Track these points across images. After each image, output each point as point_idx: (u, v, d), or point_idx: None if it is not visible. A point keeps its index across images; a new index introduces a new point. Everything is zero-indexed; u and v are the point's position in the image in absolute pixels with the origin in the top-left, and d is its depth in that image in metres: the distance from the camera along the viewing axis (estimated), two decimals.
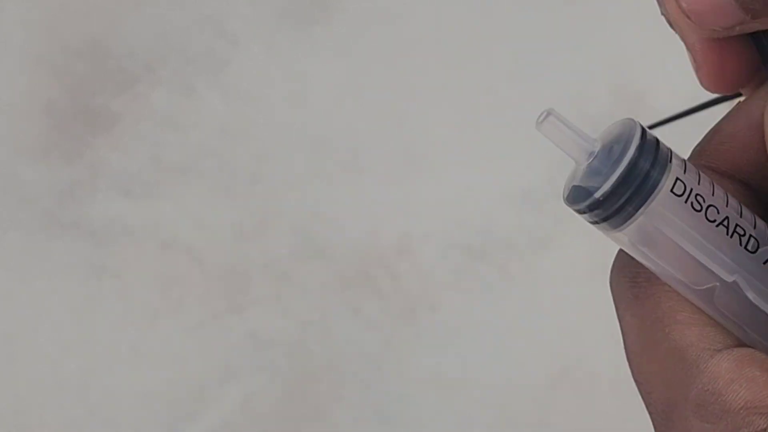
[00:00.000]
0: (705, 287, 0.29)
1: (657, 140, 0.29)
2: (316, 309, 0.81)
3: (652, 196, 0.28)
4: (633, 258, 0.30)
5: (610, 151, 0.29)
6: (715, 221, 0.29)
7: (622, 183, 0.29)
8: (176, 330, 0.81)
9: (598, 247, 0.82)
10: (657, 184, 0.28)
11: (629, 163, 0.28)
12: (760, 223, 0.29)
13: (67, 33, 0.86)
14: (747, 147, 0.31)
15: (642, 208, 0.28)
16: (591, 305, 0.81)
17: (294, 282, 0.81)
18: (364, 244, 0.82)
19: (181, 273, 0.82)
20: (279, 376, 0.81)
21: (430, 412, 0.80)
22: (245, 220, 0.83)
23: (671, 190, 0.29)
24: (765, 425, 0.28)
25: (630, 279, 0.31)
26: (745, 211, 0.29)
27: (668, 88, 0.83)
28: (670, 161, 0.29)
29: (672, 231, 0.29)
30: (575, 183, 0.30)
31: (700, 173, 0.29)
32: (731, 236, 0.29)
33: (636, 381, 0.30)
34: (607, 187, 0.29)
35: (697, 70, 0.31)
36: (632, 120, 0.29)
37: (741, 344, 0.29)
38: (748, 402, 0.28)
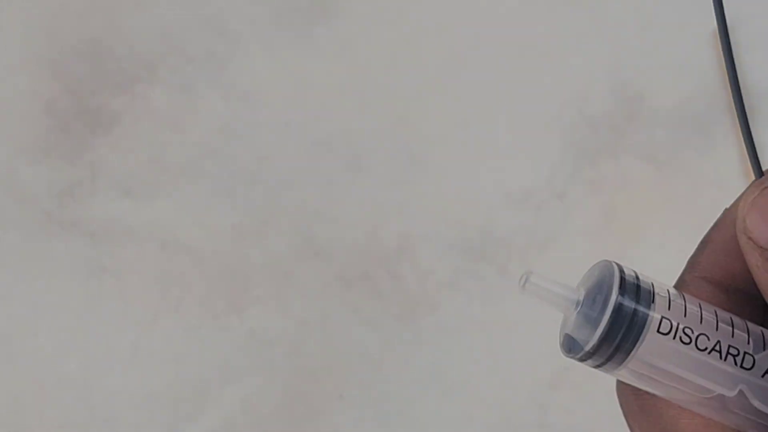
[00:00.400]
0: (710, 396, 0.30)
1: (637, 281, 0.30)
2: (316, 309, 0.81)
3: (639, 340, 0.30)
4: None
5: (594, 300, 0.31)
6: (706, 349, 0.30)
7: (608, 333, 0.30)
8: (176, 330, 0.81)
9: (598, 247, 0.82)
10: (642, 328, 0.30)
11: (612, 314, 0.30)
12: (755, 332, 0.30)
13: (67, 33, 0.86)
14: (738, 254, 0.31)
15: (632, 353, 0.30)
16: None
17: (294, 282, 0.81)
18: (364, 244, 0.82)
19: (181, 273, 0.82)
20: (279, 376, 0.81)
21: (430, 412, 0.80)
22: (245, 220, 0.83)
23: (658, 331, 0.30)
24: None
25: (633, 390, 0.32)
26: (738, 329, 0.30)
27: (668, 88, 0.83)
28: (653, 301, 0.30)
29: (666, 364, 0.30)
30: (567, 332, 0.32)
31: (686, 302, 0.30)
32: (725, 359, 0.30)
33: None
34: (594, 340, 0.30)
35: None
36: (610, 264, 0.31)
37: None
38: None
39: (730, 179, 0.84)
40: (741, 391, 0.29)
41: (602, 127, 0.83)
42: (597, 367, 0.31)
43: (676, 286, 0.33)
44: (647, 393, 0.31)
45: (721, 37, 0.33)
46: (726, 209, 0.33)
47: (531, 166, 0.83)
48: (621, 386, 0.32)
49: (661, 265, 0.84)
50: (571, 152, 0.83)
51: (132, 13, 0.86)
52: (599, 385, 0.81)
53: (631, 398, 0.32)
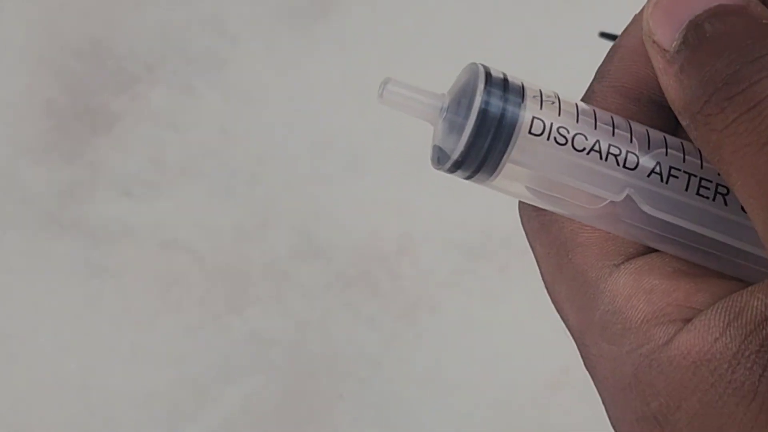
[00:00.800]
0: (601, 206, 0.28)
1: (505, 80, 0.28)
2: (316, 309, 0.81)
3: (510, 143, 0.27)
4: None
5: (459, 104, 0.28)
6: (584, 149, 0.28)
7: (476, 137, 0.27)
8: (176, 330, 0.81)
9: None
10: (512, 130, 0.27)
11: (478, 116, 0.27)
12: (639, 131, 0.28)
13: (67, 33, 0.86)
14: (648, 60, 0.29)
15: (504, 157, 0.27)
16: None
17: (294, 282, 0.81)
18: (364, 244, 0.82)
19: (181, 273, 0.82)
20: (279, 376, 0.81)
21: (430, 412, 0.80)
22: (245, 220, 0.83)
23: (529, 132, 0.28)
24: (666, 337, 0.26)
25: (534, 208, 0.30)
26: (619, 129, 0.28)
27: None
28: (523, 100, 0.28)
29: (544, 168, 0.28)
30: (435, 143, 0.29)
31: (560, 102, 0.28)
32: (606, 159, 0.28)
33: (556, 310, 0.30)
34: (461, 146, 0.27)
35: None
36: (476, 65, 0.28)
37: (645, 252, 0.28)
38: (647, 315, 0.27)
39: None
40: (629, 196, 0.27)
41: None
42: (470, 177, 0.28)
43: (584, 98, 0.31)
44: (547, 210, 0.29)
45: None
46: (635, 15, 0.32)
47: None
48: (522, 205, 0.30)
49: None
50: None
51: (132, 14, 0.86)
52: None
53: (532, 215, 0.30)
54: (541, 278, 0.31)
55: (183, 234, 0.82)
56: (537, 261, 0.30)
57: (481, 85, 0.28)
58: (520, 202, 0.30)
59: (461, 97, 0.28)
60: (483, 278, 0.81)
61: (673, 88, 0.27)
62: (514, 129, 0.27)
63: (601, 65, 0.31)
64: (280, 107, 0.85)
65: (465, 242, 0.82)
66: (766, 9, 0.27)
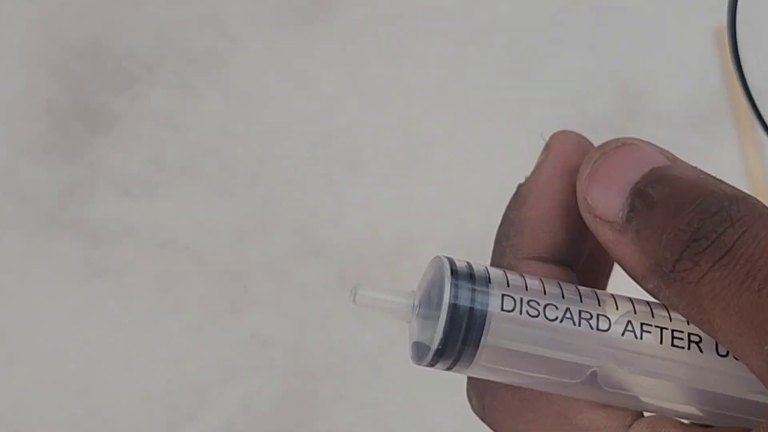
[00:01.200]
0: (584, 377, 0.29)
1: (470, 268, 0.29)
2: (316, 309, 0.81)
3: (486, 325, 0.28)
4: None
5: (429, 297, 0.29)
6: (557, 318, 0.29)
7: (451, 327, 0.28)
8: (176, 330, 0.81)
9: None
10: (485, 312, 0.28)
11: (449, 301, 0.28)
12: (603, 296, 0.29)
13: (67, 33, 0.86)
14: (558, 228, 0.30)
15: (482, 339, 0.28)
16: None
17: (294, 282, 0.81)
18: (364, 244, 0.82)
19: (181, 273, 0.82)
20: (279, 376, 0.81)
21: (430, 412, 0.80)
22: (245, 220, 0.83)
23: (501, 309, 0.28)
24: None
25: (509, 388, 0.29)
26: (585, 293, 0.29)
27: (668, 88, 0.83)
28: (489, 282, 0.29)
29: (521, 345, 0.29)
30: (414, 339, 0.30)
31: (525, 277, 0.29)
32: (579, 325, 0.29)
33: None
34: (440, 333, 0.28)
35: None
36: (439, 258, 0.29)
37: (641, 415, 0.29)
38: None
39: (731, 179, 0.84)
40: (608, 365, 0.28)
41: (603, 127, 0.83)
42: (452, 368, 0.29)
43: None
44: (525, 388, 0.29)
45: (728, 33, 0.32)
46: (520, 185, 0.32)
47: (531, 166, 0.82)
48: (488, 389, 0.30)
49: None
50: None
51: (132, 13, 0.86)
52: None
53: (507, 396, 0.29)
54: None
55: (183, 234, 0.82)
56: None
57: (447, 273, 0.29)
58: (475, 392, 0.31)
59: (430, 290, 0.29)
60: None
61: (630, 256, 0.28)
62: (487, 307, 0.28)
63: (505, 239, 0.32)
64: (280, 107, 0.85)
65: (465, 242, 0.82)
66: (686, 162, 0.29)
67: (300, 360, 0.81)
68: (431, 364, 0.29)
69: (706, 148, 0.83)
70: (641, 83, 0.84)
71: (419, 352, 0.29)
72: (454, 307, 0.28)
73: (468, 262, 0.29)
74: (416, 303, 0.29)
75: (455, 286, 0.28)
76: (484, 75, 0.84)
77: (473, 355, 0.28)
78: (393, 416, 0.80)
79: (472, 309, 0.28)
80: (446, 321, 0.28)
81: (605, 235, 0.29)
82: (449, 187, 0.83)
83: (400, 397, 0.80)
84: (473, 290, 0.28)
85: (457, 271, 0.29)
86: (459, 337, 0.28)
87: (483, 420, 0.31)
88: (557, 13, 0.85)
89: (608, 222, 0.29)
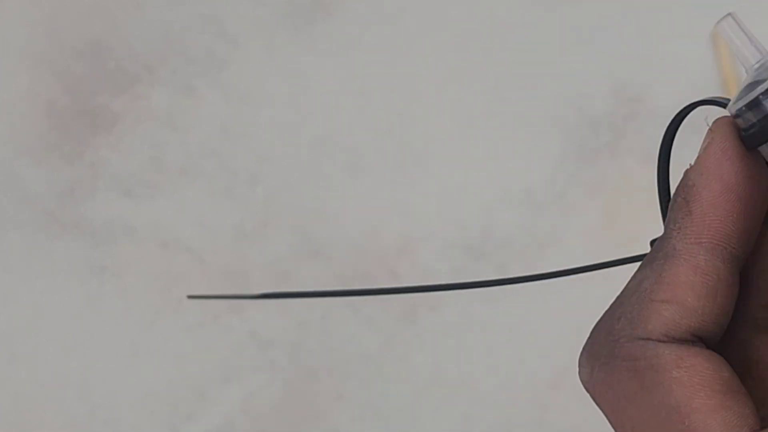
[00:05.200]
0: None
1: None
2: (316, 309, 0.81)
3: None
4: (626, 345, 0.28)
5: None
6: None
7: None
8: (176, 330, 0.81)
9: (597, 247, 0.82)
10: None
11: None
12: None
13: (68, 33, 0.86)
14: (725, 212, 0.29)
15: None
16: (590, 305, 0.80)
17: (294, 282, 0.81)
18: (364, 244, 0.82)
19: (182, 273, 0.82)
20: (279, 376, 0.81)
21: (430, 412, 0.80)
22: (245, 220, 0.83)
23: None
24: None
25: (630, 368, 0.28)
26: None
27: (668, 88, 0.83)
28: None
29: None
30: (744, 84, 0.29)
31: None
32: None
33: None
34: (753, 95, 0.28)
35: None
36: None
37: (762, 425, 0.28)
38: None
39: None
40: None
41: (602, 128, 0.83)
42: (753, 127, 0.29)
43: (667, 255, 0.30)
44: (648, 369, 0.28)
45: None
46: (687, 170, 0.31)
47: (531, 167, 0.83)
48: (609, 363, 0.29)
49: None
50: (571, 152, 0.83)
51: (132, 14, 0.86)
52: None
53: (626, 375, 0.28)
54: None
55: (183, 234, 0.82)
56: (628, 425, 0.29)
57: None
58: (593, 365, 0.29)
59: None
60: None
61: None
62: None
63: (675, 222, 0.30)
64: (280, 107, 0.85)
65: (465, 242, 0.82)
66: None
67: (300, 360, 0.81)
68: (748, 108, 0.29)
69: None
70: (640, 84, 0.84)
71: (741, 95, 0.29)
72: None
73: None
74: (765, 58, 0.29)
75: None
76: (484, 75, 0.84)
77: None
78: (393, 416, 0.80)
79: None
80: None
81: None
82: (449, 187, 0.83)
83: (400, 397, 0.80)
84: None
85: None
86: None
87: (586, 389, 0.30)
88: (557, 13, 0.85)
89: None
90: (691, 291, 0.29)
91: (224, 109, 0.85)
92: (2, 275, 0.82)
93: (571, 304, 0.81)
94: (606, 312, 0.30)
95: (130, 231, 0.83)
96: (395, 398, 0.80)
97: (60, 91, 0.85)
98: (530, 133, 0.83)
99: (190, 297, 0.31)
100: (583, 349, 0.30)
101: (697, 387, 0.28)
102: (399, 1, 0.86)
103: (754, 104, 0.28)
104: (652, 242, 0.31)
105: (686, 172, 0.30)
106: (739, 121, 0.29)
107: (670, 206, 0.30)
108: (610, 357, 0.29)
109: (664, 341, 0.29)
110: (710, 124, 0.30)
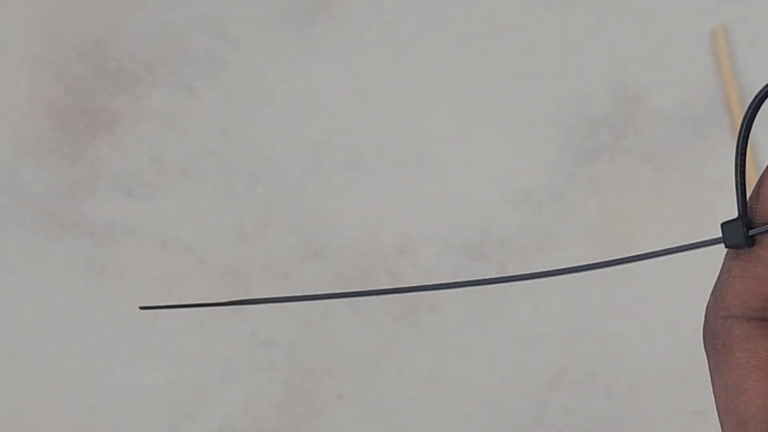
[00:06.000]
0: None
1: None
2: (317, 309, 0.81)
3: None
4: (712, 323, 0.29)
5: None
6: None
7: None
8: (176, 330, 0.81)
9: (596, 247, 0.82)
10: None
11: None
12: None
13: (68, 33, 0.86)
14: None
15: None
16: (590, 305, 0.81)
17: (294, 282, 0.82)
18: (364, 244, 0.82)
19: (182, 273, 0.82)
20: (279, 376, 0.81)
21: (430, 412, 0.80)
22: (245, 220, 0.83)
23: None
24: None
25: (713, 346, 0.28)
26: None
27: (668, 88, 0.83)
28: None
29: None
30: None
31: None
32: None
33: None
34: None
35: None
36: None
37: None
38: None
39: (729, 180, 0.84)
40: None
41: (601, 128, 0.83)
42: None
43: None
44: (722, 348, 0.28)
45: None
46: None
47: (530, 167, 0.83)
48: (706, 343, 0.29)
49: (660, 265, 0.84)
50: (571, 153, 0.83)
51: (132, 14, 0.86)
52: (599, 385, 0.82)
53: (711, 353, 0.28)
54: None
55: (183, 234, 0.83)
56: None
57: None
58: (714, 308, 0.30)
59: None
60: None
61: None
62: None
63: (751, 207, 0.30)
64: (280, 107, 0.85)
65: (465, 242, 0.82)
66: None
67: (300, 360, 0.81)
68: None
69: (705, 149, 0.83)
70: (639, 85, 0.84)
71: None
72: None
73: None
74: None
75: None
76: (483, 75, 0.85)
77: None
78: (393, 416, 0.80)
79: None
80: None
81: None
82: (449, 187, 0.83)
83: (400, 397, 0.80)
84: None
85: None
86: None
87: (708, 357, 0.30)
88: (557, 13, 0.85)
89: None
90: (762, 263, 0.29)
91: (224, 109, 0.85)
92: (2, 275, 0.82)
93: (570, 304, 0.81)
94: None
95: (130, 231, 0.83)
96: (395, 398, 0.80)
97: (60, 91, 0.85)
98: (530, 133, 0.83)
99: (142, 308, 0.31)
100: (709, 322, 0.30)
101: (752, 369, 0.28)
102: (399, 1, 0.86)
103: None
104: (723, 225, 0.31)
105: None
106: None
107: (750, 195, 0.30)
108: (705, 335, 0.30)
109: (741, 316, 0.29)
110: None
